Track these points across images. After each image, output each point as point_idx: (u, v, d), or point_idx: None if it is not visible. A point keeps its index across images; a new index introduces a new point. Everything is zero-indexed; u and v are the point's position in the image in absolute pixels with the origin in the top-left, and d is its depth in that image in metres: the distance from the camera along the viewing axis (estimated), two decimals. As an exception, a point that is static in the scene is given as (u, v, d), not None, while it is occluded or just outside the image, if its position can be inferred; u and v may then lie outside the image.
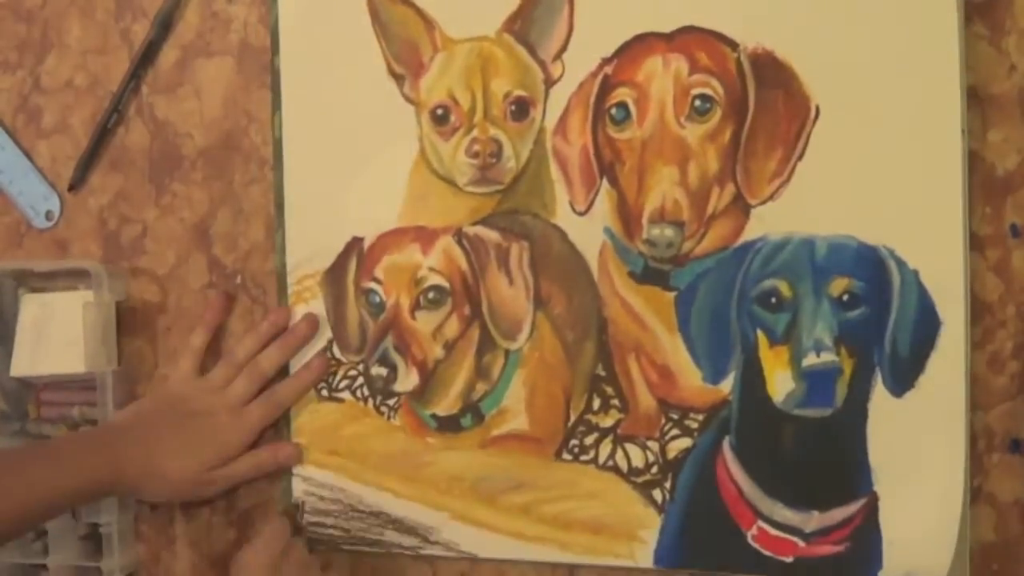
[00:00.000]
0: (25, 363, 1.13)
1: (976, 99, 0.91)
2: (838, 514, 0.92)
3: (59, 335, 1.12)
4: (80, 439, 1.06)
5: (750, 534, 0.95)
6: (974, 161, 0.91)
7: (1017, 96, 0.91)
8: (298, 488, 1.09)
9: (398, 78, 1.05)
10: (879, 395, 0.91)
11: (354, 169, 1.07)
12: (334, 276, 1.08)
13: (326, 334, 1.08)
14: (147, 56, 1.13)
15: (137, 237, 1.14)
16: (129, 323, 1.14)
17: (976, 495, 0.91)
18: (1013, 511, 0.91)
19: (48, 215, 1.17)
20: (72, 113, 1.16)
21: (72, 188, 1.16)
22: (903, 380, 0.90)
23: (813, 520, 0.93)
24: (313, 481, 1.08)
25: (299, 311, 1.09)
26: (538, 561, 1.02)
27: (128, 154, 1.14)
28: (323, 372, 1.08)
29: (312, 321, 1.08)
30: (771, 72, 0.93)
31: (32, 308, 1.14)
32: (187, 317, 1.13)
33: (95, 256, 1.15)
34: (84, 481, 0.99)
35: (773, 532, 0.94)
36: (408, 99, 1.05)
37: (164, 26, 1.12)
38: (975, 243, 0.91)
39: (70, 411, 1.14)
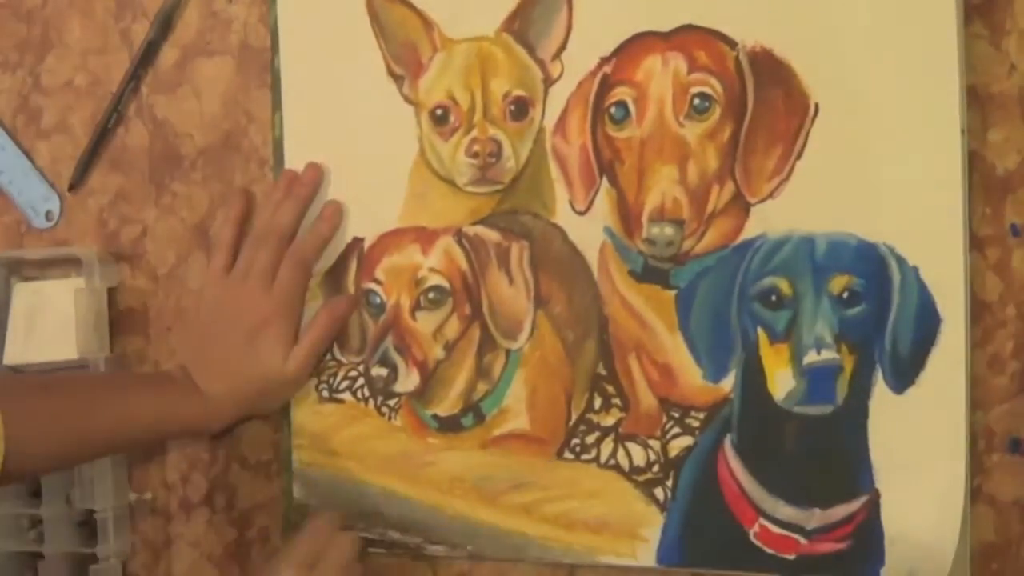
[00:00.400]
0: (18, 352, 1.14)
1: (976, 99, 0.90)
2: (840, 511, 0.92)
3: (51, 322, 1.13)
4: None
5: (752, 532, 0.95)
6: (974, 161, 0.90)
7: (1017, 96, 0.90)
8: (298, 489, 1.09)
9: (397, 79, 1.05)
10: (880, 392, 0.91)
11: (354, 170, 1.07)
12: (334, 277, 1.08)
13: (327, 334, 1.09)
14: (147, 56, 1.13)
15: (137, 237, 1.15)
16: (129, 323, 1.15)
17: (976, 495, 0.91)
18: (1013, 511, 0.91)
19: (48, 215, 1.17)
20: (72, 113, 1.17)
21: (72, 188, 1.16)
22: (904, 377, 0.90)
23: (815, 517, 0.93)
24: (313, 482, 1.08)
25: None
26: (539, 560, 1.02)
27: (128, 154, 1.15)
28: (338, 220, 1.06)
29: (316, 168, 1.06)
30: (770, 70, 0.93)
31: (24, 297, 1.15)
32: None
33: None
34: (172, 409, 1.02)
35: (775, 530, 0.94)
36: (407, 99, 1.05)
37: (164, 26, 1.12)
38: (975, 243, 0.91)
39: None
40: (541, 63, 1.01)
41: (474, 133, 1.02)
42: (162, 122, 1.13)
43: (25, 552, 1.15)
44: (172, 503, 1.14)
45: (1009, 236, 0.90)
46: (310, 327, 1.05)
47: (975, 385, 0.90)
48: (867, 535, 0.91)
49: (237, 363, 1.03)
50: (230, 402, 1.04)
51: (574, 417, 1.00)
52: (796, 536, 0.93)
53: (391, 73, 1.06)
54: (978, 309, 0.91)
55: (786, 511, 0.94)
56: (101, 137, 1.15)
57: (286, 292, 1.04)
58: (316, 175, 1.07)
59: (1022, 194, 0.90)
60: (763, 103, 0.94)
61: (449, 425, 1.04)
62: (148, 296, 1.14)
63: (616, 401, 0.99)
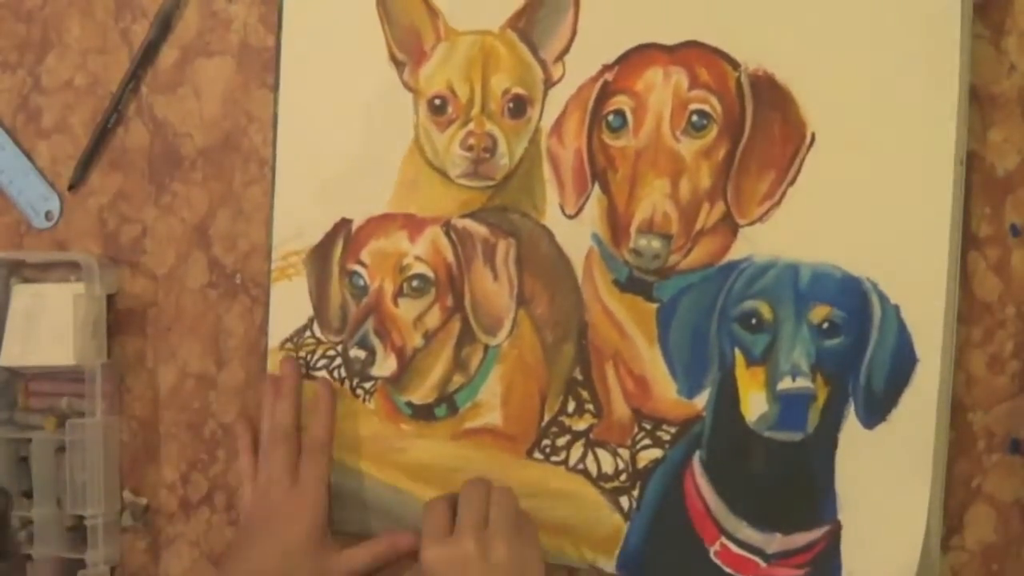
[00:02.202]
0: (15, 353, 1.13)
1: (976, 99, 0.90)
2: (801, 539, 0.93)
3: (49, 326, 1.12)
4: None
5: (713, 550, 0.95)
6: (974, 161, 0.91)
7: (1017, 96, 0.90)
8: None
9: (399, 64, 1.05)
10: (850, 425, 0.91)
11: (347, 150, 1.07)
12: (320, 255, 1.08)
13: (307, 312, 1.08)
14: (147, 56, 1.13)
15: (137, 237, 1.15)
16: (129, 323, 1.15)
17: (976, 495, 0.92)
18: (1013, 511, 0.92)
19: (48, 215, 1.17)
20: (72, 113, 1.16)
21: (72, 188, 1.16)
22: (875, 413, 0.91)
23: (776, 542, 0.93)
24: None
25: (281, 286, 1.09)
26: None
27: (128, 154, 1.14)
28: (332, 395, 1.06)
29: (291, 362, 1.08)
30: (770, 95, 0.93)
31: (23, 298, 1.14)
32: (187, 317, 1.14)
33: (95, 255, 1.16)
34: None
35: (735, 550, 0.95)
36: (407, 86, 1.05)
37: (164, 26, 1.12)
38: (975, 243, 0.91)
39: (58, 402, 1.15)
40: (543, 63, 1.00)
41: (470, 126, 1.02)
42: (162, 122, 1.13)
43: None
44: (172, 503, 1.15)
45: (1009, 236, 0.91)
46: (371, 543, 1.03)
47: (975, 385, 0.91)
48: (825, 565, 0.92)
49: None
50: None
51: (547, 418, 1.01)
52: (756, 559, 0.94)
53: (393, 58, 1.05)
54: (978, 309, 0.91)
55: (748, 533, 0.94)
56: (101, 137, 1.14)
57: (310, 485, 1.03)
58: (294, 368, 1.08)
59: (1022, 194, 0.90)
60: (760, 127, 0.93)
61: (422, 413, 1.05)
62: (148, 296, 1.14)
63: (589, 407, 0.99)
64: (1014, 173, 0.91)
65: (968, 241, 0.91)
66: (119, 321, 1.15)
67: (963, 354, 0.92)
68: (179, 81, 1.13)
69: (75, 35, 1.16)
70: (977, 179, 0.91)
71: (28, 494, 1.14)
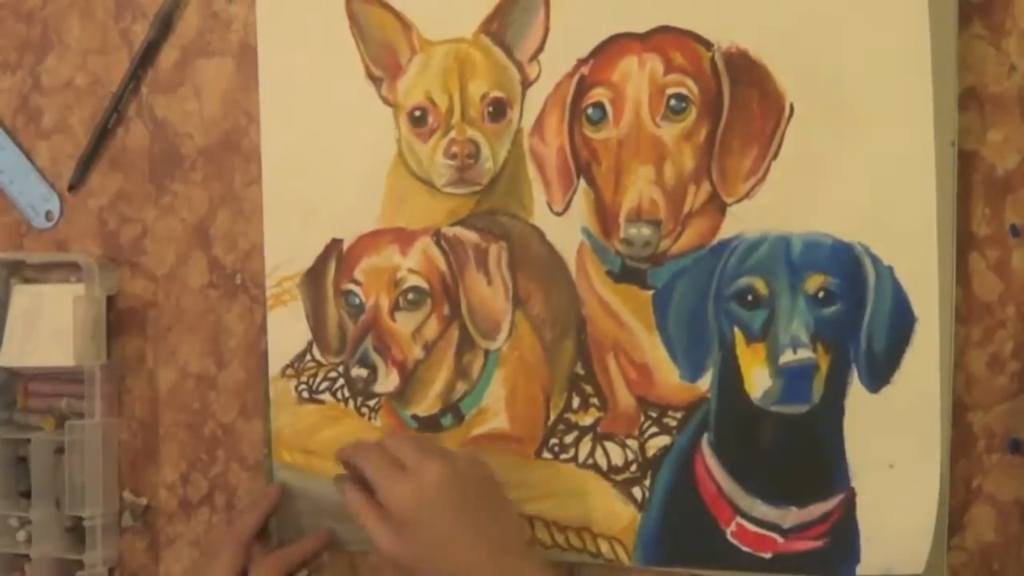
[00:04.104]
0: (14, 353, 1.14)
1: (976, 99, 0.91)
2: (816, 510, 0.93)
3: (49, 327, 1.13)
4: None
5: (729, 530, 0.95)
6: (974, 161, 0.91)
7: (1017, 96, 0.91)
8: (278, 490, 1.09)
9: (376, 80, 1.05)
10: (855, 391, 0.92)
11: (332, 171, 1.07)
12: (313, 278, 1.08)
13: (306, 336, 1.09)
14: (147, 56, 1.13)
15: (137, 237, 1.15)
16: (129, 323, 1.15)
17: (976, 495, 0.92)
18: (1013, 511, 0.91)
19: (48, 215, 1.17)
20: (72, 113, 1.17)
21: (72, 188, 1.16)
22: (879, 376, 0.91)
23: (791, 516, 0.93)
24: (293, 483, 1.08)
25: (277, 313, 1.09)
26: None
27: (128, 154, 1.15)
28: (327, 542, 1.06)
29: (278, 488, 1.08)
30: (745, 71, 0.94)
31: (23, 299, 1.15)
32: (187, 317, 1.13)
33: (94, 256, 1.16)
34: None
35: (752, 528, 0.94)
36: (386, 101, 1.05)
37: (164, 26, 1.12)
38: (975, 243, 0.91)
39: (58, 403, 1.15)
40: (519, 64, 1.01)
41: (452, 134, 1.03)
42: (162, 122, 1.14)
43: (13, 554, 1.16)
44: (172, 503, 1.15)
45: (1009, 236, 0.91)
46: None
47: (975, 385, 0.91)
48: (843, 533, 0.92)
49: None
50: None
51: (552, 416, 1.01)
52: (773, 535, 0.94)
53: (370, 75, 1.06)
54: (978, 309, 0.91)
55: (763, 510, 0.94)
56: (101, 137, 1.15)
57: None
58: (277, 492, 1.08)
59: (1022, 194, 0.90)
60: (739, 104, 0.94)
61: (429, 425, 1.05)
62: (148, 297, 1.14)
63: (594, 401, 0.99)
64: (1014, 173, 0.91)
65: (968, 241, 0.91)
66: (119, 321, 1.15)
67: (963, 354, 0.92)
68: (179, 81, 1.13)
69: (75, 35, 1.17)
70: (977, 179, 0.91)
71: (26, 494, 1.15)
